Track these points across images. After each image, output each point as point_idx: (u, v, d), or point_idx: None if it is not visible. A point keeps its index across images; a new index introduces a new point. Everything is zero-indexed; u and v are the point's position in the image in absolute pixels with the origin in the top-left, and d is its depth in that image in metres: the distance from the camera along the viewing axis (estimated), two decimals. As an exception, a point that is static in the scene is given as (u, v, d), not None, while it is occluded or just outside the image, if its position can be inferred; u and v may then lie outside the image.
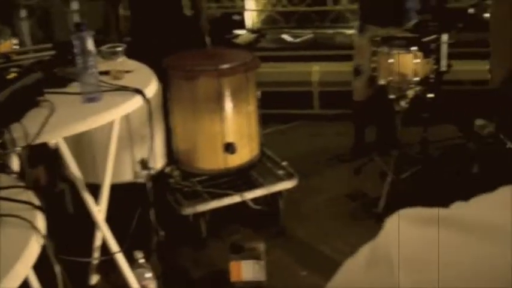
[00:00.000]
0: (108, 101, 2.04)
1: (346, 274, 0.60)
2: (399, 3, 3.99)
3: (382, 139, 4.49)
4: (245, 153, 3.68)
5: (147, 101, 2.11)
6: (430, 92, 3.64)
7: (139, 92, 2.09)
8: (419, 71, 3.45)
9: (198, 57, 3.70)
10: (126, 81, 2.22)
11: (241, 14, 5.79)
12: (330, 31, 5.72)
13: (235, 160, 3.63)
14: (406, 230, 0.56)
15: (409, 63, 3.43)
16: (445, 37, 3.50)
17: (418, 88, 3.53)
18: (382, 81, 3.57)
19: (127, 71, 2.35)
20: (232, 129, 3.59)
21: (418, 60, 3.42)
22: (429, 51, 3.44)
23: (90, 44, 1.98)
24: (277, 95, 5.00)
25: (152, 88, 2.22)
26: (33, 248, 1.27)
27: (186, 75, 3.50)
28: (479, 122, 4.55)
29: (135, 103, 2.08)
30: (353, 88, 4.32)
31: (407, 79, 3.46)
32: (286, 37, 5.51)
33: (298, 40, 5.47)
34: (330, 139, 4.80)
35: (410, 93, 3.55)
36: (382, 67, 3.54)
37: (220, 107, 3.52)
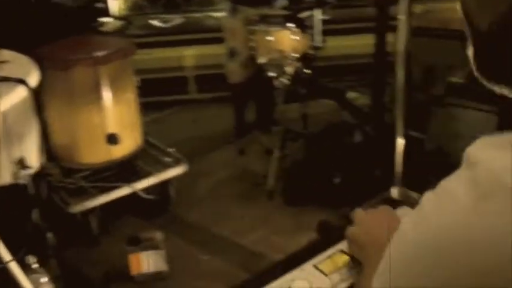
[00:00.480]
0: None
1: (448, 217, 0.54)
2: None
3: (262, 117, 4.53)
4: (129, 144, 3.55)
5: (31, 90, 1.94)
6: (307, 68, 3.73)
7: (22, 82, 1.92)
8: (298, 47, 3.50)
9: (71, 45, 3.49)
10: (5, 72, 2.03)
11: (104, 1, 5.54)
12: (198, 15, 5.65)
13: (119, 151, 3.48)
14: (500, 155, 0.52)
15: (287, 39, 3.47)
16: (318, 13, 3.59)
17: (297, 64, 3.58)
18: (261, 60, 3.58)
19: (2, 62, 2.15)
20: (114, 119, 3.43)
21: (296, 37, 3.47)
22: (305, 27, 3.50)
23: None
24: (152, 82, 4.84)
25: (35, 77, 2.05)
26: None
27: (61, 65, 3.28)
28: (351, 94, 4.74)
29: (19, 94, 1.91)
30: (228, 71, 4.28)
31: (286, 55, 3.50)
32: (154, 22, 5.37)
33: (167, 25, 5.35)
34: (211, 122, 4.76)
35: (290, 69, 3.60)
36: (261, 45, 3.56)
37: (99, 97, 3.35)
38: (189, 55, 5.13)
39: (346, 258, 1.17)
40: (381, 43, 3.94)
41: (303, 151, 3.89)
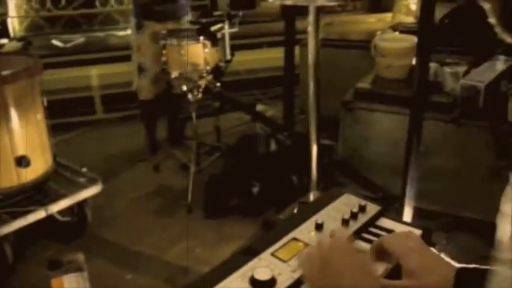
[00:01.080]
0: None
1: None
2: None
3: (174, 133, 4.52)
4: (39, 166, 3.41)
5: None
6: (218, 81, 3.77)
7: None
8: (209, 60, 3.53)
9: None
10: None
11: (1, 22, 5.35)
12: (100, 34, 5.56)
13: (30, 174, 3.34)
14: None
15: (199, 53, 3.49)
16: (227, 27, 3.64)
17: (209, 77, 3.61)
18: (174, 74, 3.57)
19: None
20: (23, 141, 3.29)
21: (207, 50, 3.50)
22: (216, 40, 3.55)
23: None
24: (56, 104, 4.70)
25: None
26: None
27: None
28: (260, 107, 4.84)
29: None
30: (138, 87, 4.22)
31: (198, 69, 3.52)
32: (56, 42, 5.22)
33: (69, 45, 5.21)
34: (121, 141, 4.67)
35: (202, 82, 3.62)
36: (173, 59, 3.55)
37: (6, 118, 3.20)
38: (94, 75, 5.02)
39: (300, 245, 1.20)
40: (289, 56, 4.06)
41: (219, 164, 3.92)
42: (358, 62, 4.06)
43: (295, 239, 1.22)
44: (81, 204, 3.42)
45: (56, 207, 3.24)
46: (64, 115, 4.81)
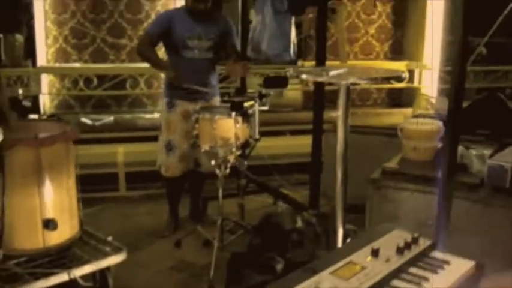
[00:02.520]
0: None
1: None
2: (204, 81, 4.18)
3: (197, 211, 4.55)
4: (66, 230, 3.42)
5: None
6: (246, 157, 3.85)
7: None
8: (240, 135, 3.62)
9: (12, 126, 3.41)
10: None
11: (33, 99, 5.55)
12: (128, 115, 5.73)
13: (56, 237, 3.33)
14: None
15: (231, 128, 3.58)
16: (258, 105, 3.76)
17: (238, 152, 3.69)
18: (205, 147, 3.65)
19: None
20: (52, 204, 3.32)
21: (239, 125, 3.60)
22: (247, 117, 3.65)
23: None
24: (81, 178, 4.78)
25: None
26: None
27: (1, 144, 3.18)
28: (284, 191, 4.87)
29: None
30: (165, 165, 4.29)
31: (229, 143, 3.60)
32: (85, 120, 5.37)
33: (98, 123, 5.36)
34: (142, 218, 4.69)
35: (231, 158, 3.69)
36: (205, 133, 3.64)
37: (39, 180, 3.25)
38: (120, 152, 5.12)
39: (357, 267, 1.21)
40: (317, 142, 4.15)
41: (242, 242, 3.91)
42: (381, 148, 4.15)
43: (352, 262, 1.23)
44: (104, 272, 3.39)
45: (79, 272, 3.20)
46: (88, 190, 4.85)
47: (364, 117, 5.40)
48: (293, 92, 6.44)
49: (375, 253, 1.25)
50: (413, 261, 1.27)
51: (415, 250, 1.31)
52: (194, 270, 3.81)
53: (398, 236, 1.36)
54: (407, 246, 1.30)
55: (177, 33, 4.01)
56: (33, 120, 3.97)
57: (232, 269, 3.62)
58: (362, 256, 1.25)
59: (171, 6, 5.74)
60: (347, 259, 1.23)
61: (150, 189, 5.02)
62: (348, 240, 3.08)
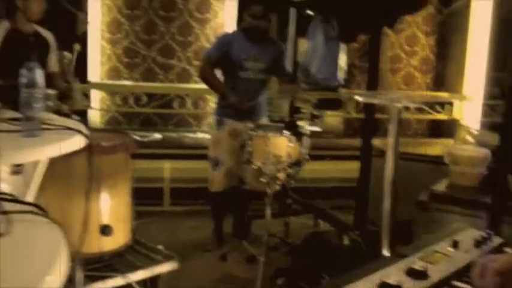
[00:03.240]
0: (49, 137, 1.95)
1: None
2: (255, 102, 4.31)
3: (241, 229, 4.63)
4: (120, 237, 3.54)
5: (89, 143, 2.04)
6: (295, 176, 3.94)
7: (81, 133, 2.03)
8: (292, 153, 3.73)
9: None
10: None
11: (82, 113, 5.74)
12: (174, 134, 5.89)
13: (111, 243, 3.45)
14: None
15: (284, 146, 3.70)
16: (309, 124, 3.88)
17: (289, 170, 3.79)
18: (257, 164, 3.76)
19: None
20: (109, 211, 3.46)
21: (291, 144, 3.71)
22: (300, 136, 3.77)
23: (39, 76, 1.90)
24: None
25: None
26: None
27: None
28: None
29: (77, 142, 2.00)
30: (211, 179, 4.42)
31: (281, 160, 3.70)
32: (134, 137, 5.53)
33: (146, 140, 5.53)
34: (186, 232, 4.80)
35: (282, 175, 3.79)
36: (258, 150, 3.76)
37: (99, 187, 3.39)
38: (166, 168, 5.26)
39: (440, 255, 1.30)
40: (366, 168, 4.23)
41: (286, 258, 3.99)
42: (424, 174, 4.21)
43: (435, 251, 1.32)
44: (155, 279, 3.50)
45: (134, 277, 3.33)
46: (135, 203, 4.99)
47: (405, 146, 5.43)
48: (333, 119, 6.53)
49: (455, 244, 1.35)
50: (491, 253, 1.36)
51: (491, 244, 1.40)
52: (239, 283, 3.90)
53: (473, 233, 1.46)
54: (484, 240, 1.40)
55: (235, 55, 4.18)
56: (95, 129, 4.13)
57: (277, 285, 3.70)
58: (443, 247, 1.34)
59: (220, 30, 5.94)
60: (430, 248, 1.33)
61: (194, 205, 5.14)
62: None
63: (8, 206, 1.23)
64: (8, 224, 1.14)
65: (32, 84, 1.90)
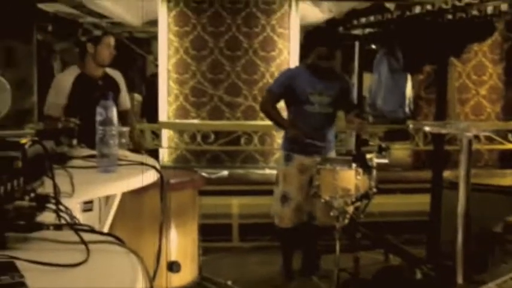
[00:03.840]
0: (124, 172, 2.02)
1: None
2: (322, 136, 4.31)
3: (310, 264, 4.59)
4: (187, 274, 3.59)
5: (161, 176, 2.10)
6: (364, 210, 3.90)
7: (154, 168, 2.09)
8: (361, 186, 3.70)
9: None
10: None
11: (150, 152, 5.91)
12: (241, 171, 5.96)
13: (178, 280, 3.51)
14: None
15: (352, 179, 3.67)
16: (376, 157, 3.84)
17: (358, 204, 3.76)
18: (325, 197, 3.75)
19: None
20: (177, 247, 3.51)
21: (359, 177, 3.68)
22: (368, 168, 3.73)
23: (113, 114, 1.99)
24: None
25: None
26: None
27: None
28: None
29: (150, 177, 2.07)
30: (279, 215, 4.40)
31: (350, 194, 3.68)
32: (202, 174, 5.63)
33: (213, 176, 5.61)
34: (255, 268, 4.80)
35: (350, 209, 3.76)
36: (325, 184, 3.75)
37: (167, 223, 3.45)
38: (234, 204, 5.31)
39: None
40: (437, 201, 4.15)
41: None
42: (499, 206, 4.08)
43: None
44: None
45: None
46: (203, 239, 5.06)
47: (476, 178, 5.30)
48: (401, 152, 6.45)
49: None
50: None
51: None
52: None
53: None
54: None
55: (300, 90, 4.21)
56: (164, 167, 4.23)
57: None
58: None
59: (285, 67, 6.01)
60: (508, 276, 1.29)
61: (262, 240, 5.15)
62: None
63: (87, 237, 1.28)
64: (87, 253, 1.19)
65: (107, 122, 1.98)
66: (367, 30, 4.58)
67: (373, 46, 6.43)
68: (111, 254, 1.24)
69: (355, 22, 4.62)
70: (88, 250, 1.20)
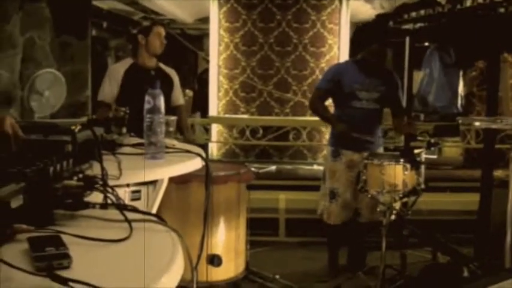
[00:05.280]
0: (170, 160, 2.08)
1: None
2: (370, 131, 4.28)
3: (356, 260, 4.57)
4: (231, 268, 3.59)
5: (206, 164, 2.14)
6: (411, 206, 3.85)
7: (200, 156, 2.14)
8: (408, 182, 3.66)
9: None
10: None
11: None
12: (289, 166, 5.98)
13: (220, 274, 3.52)
14: None
15: (400, 174, 3.64)
16: (426, 153, 3.79)
17: (404, 200, 3.72)
18: (372, 192, 3.72)
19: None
20: (219, 241, 3.54)
21: (407, 172, 3.64)
22: (416, 164, 3.69)
23: (161, 102, 2.03)
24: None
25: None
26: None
27: (178, 178, 3.47)
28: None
29: (196, 164, 2.11)
30: (327, 212, 4.38)
31: (397, 189, 3.64)
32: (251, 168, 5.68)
33: (261, 171, 5.63)
34: (300, 263, 4.80)
35: (397, 205, 3.72)
36: (372, 178, 3.72)
37: (211, 215, 3.46)
38: (281, 199, 5.33)
39: None
40: (486, 199, 4.07)
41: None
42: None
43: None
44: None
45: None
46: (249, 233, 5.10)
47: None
48: (453, 150, 6.34)
49: None
50: None
51: None
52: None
53: None
54: None
55: (347, 85, 4.18)
56: (212, 160, 4.29)
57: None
58: None
59: (334, 63, 5.98)
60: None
61: (308, 236, 5.15)
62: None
63: (130, 216, 1.33)
64: (130, 230, 1.24)
65: (154, 110, 2.03)
66: (418, 24, 4.52)
67: (426, 44, 6.33)
68: (153, 232, 1.28)
69: (405, 16, 4.57)
70: (131, 227, 1.25)
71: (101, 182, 1.48)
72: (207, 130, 6.33)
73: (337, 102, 4.36)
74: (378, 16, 5.34)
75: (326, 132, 6.03)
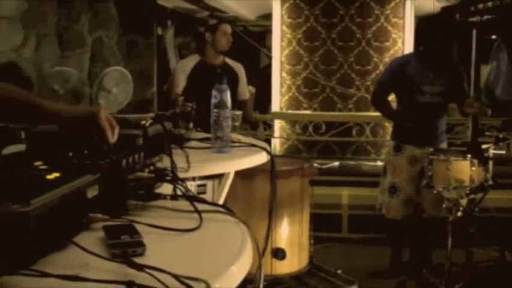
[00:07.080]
0: (236, 153, 2.11)
1: None
2: (434, 126, 4.20)
3: (420, 258, 4.50)
4: (294, 262, 3.62)
5: (272, 158, 2.17)
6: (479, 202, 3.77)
7: (265, 150, 2.17)
8: (476, 178, 3.57)
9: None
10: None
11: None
12: (352, 162, 5.94)
13: (284, 267, 3.55)
14: None
15: (466, 170, 3.56)
16: (492, 150, 3.69)
17: (472, 196, 3.63)
18: (438, 188, 3.66)
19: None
20: (283, 235, 3.56)
21: (474, 168, 3.56)
22: (484, 160, 3.60)
23: (227, 97, 2.07)
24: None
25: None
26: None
27: (243, 172, 3.52)
28: None
29: (261, 158, 2.14)
30: (387, 206, 4.33)
31: (464, 185, 3.56)
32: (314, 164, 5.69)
33: (324, 167, 5.64)
34: (363, 260, 4.78)
35: (464, 201, 3.64)
36: (438, 174, 3.65)
37: (275, 210, 3.48)
38: (344, 195, 5.31)
39: None
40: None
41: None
42: None
43: None
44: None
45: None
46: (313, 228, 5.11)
47: None
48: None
49: None
50: None
51: None
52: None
53: None
54: None
55: (410, 79, 4.10)
56: (276, 156, 4.31)
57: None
58: None
59: (399, 57, 5.91)
60: None
61: (371, 232, 5.10)
62: None
63: (200, 207, 1.37)
64: (200, 221, 1.27)
65: (221, 105, 2.07)
66: (485, 17, 4.39)
67: (493, 36, 6.14)
68: (222, 223, 1.31)
69: (472, 9, 4.44)
70: (201, 218, 1.28)
71: (171, 174, 1.53)
72: (270, 126, 6.36)
73: (400, 97, 4.30)
74: (444, 9, 5.23)
75: (390, 128, 5.95)
